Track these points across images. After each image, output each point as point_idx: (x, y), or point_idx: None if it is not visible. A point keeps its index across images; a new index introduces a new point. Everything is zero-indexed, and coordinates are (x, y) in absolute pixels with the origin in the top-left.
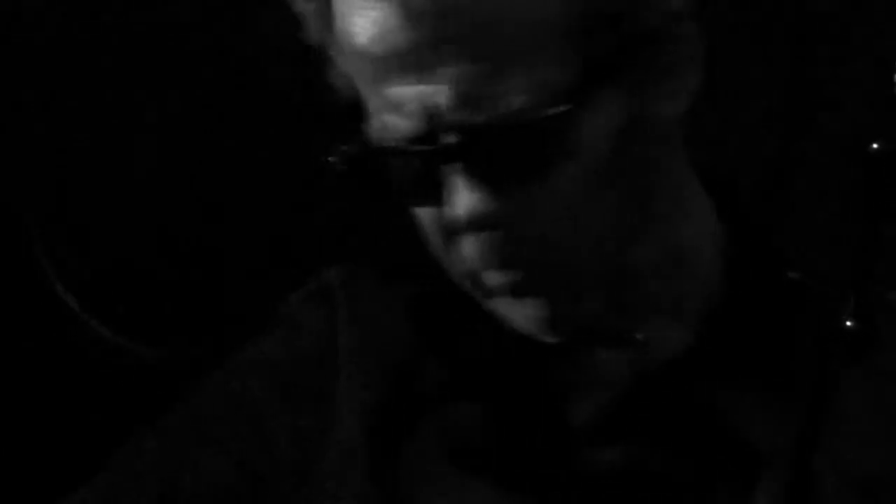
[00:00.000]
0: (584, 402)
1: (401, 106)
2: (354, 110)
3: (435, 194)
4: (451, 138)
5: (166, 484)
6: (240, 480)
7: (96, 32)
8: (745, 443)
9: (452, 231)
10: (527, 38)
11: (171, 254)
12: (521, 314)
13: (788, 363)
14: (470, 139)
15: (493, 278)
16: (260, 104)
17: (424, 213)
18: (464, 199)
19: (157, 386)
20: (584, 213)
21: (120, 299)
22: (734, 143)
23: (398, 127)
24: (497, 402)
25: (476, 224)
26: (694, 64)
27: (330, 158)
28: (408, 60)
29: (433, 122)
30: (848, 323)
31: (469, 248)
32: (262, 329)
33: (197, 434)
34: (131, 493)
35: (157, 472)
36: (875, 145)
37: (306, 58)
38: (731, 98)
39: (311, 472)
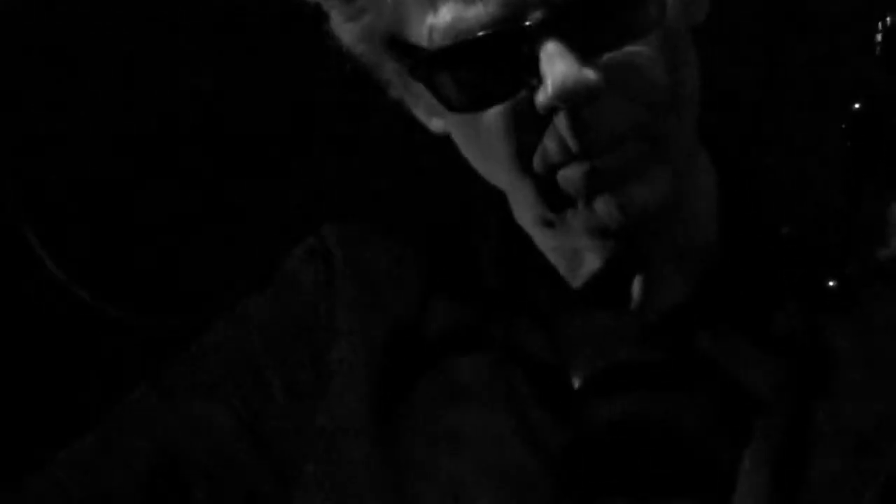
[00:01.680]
0: (586, 355)
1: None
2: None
3: (520, 81)
4: (538, 14)
5: (165, 438)
6: (239, 436)
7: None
8: (743, 390)
9: (541, 114)
10: None
11: (163, 211)
12: (585, 224)
13: (781, 315)
14: (561, 9)
15: (574, 173)
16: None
17: (489, 130)
18: (556, 69)
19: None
20: (669, 80)
21: (104, 265)
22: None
23: (467, 18)
24: (500, 356)
25: (569, 93)
26: None
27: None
28: None
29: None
30: (830, 283)
31: (552, 138)
32: (260, 286)
33: (195, 388)
34: (129, 446)
35: (156, 427)
36: (857, 105)
37: None
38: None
39: (309, 428)
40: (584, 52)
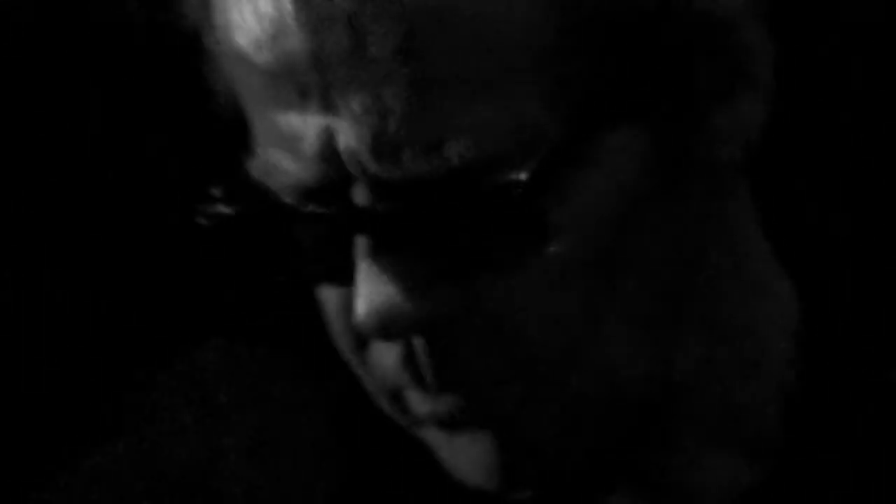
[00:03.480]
0: None
1: (296, 143)
2: (239, 133)
3: (339, 275)
4: (366, 198)
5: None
6: None
7: None
8: None
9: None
10: (494, 58)
11: None
12: (464, 455)
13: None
14: (397, 202)
15: (424, 403)
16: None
17: (327, 296)
18: (381, 289)
19: None
20: (581, 308)
21: None
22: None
23: (289, 172)
24: None
25: (400, 326)
26: (757, 84)
27: (198, 206)
28: (312, 81)
29: (341, 172)
30: None
31: (388, 356)
32: (113, 429)
33: None
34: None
35: None
36: None
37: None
38: None
39: None
40: (431, 266)
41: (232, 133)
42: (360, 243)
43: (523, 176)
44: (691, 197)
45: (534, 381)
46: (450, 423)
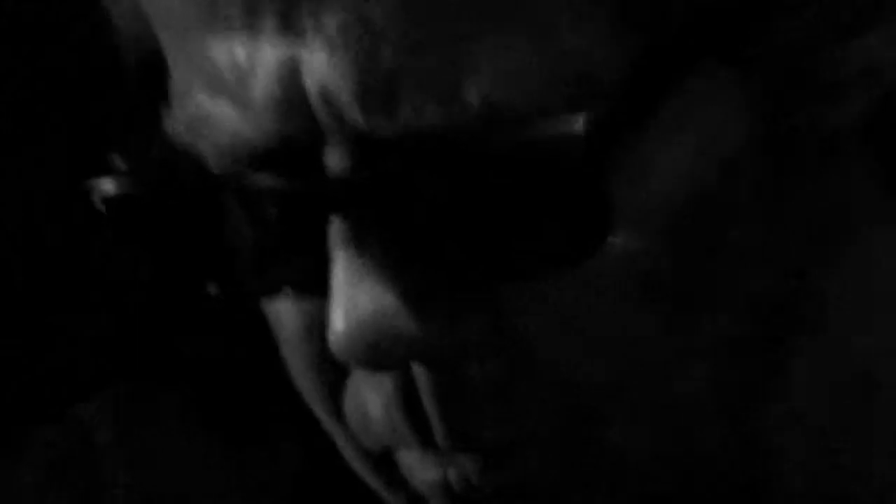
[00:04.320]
0: None
1: (240, 84)
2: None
3: (301, 281)
4: (344, 164)
5: None
6: None
7: None
8: None
9: (338, 359)
10: None
11: None
12: None
13: None
14: (390, 169)
15: (426, 468)
16: None
17: (280, 317)
18: (367, 295)
19: None
20: (644, 337)
21: None
22: None
23: (228, 128)
24: None
25: (394, 346)
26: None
27: (92, 184)
28: None
29: (308, 125)
30: None
31: (373, 401)
32: None
33: None
34: None
35: None
36: None
37: None
38: None
39: None
40: (424, 271)
41: (137, 80)
42: (336, 231)
43: (577, 128)
44: (804, 176)
45: (577, 434)
46: (465, 497)
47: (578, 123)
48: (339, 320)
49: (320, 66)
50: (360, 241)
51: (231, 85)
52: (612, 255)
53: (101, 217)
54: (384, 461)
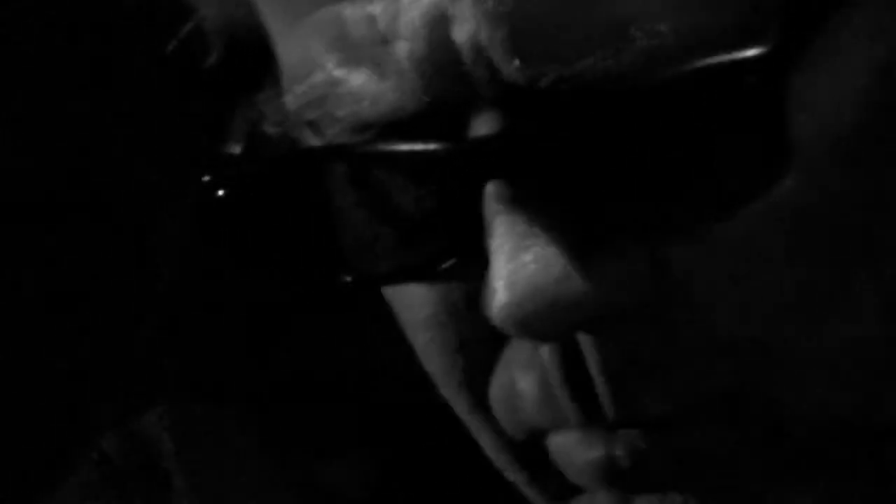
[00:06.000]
0: None
1: (378, 46)
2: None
3: (447, 257)
4: (498, 123)
5: None
6: None
7: None
8: None
9: (488, 344)
10: None
11: None
12: None
13: None
14: (550, 125)
15: (587, 448)
16: None
17: (415, 299)
18: (533, 262)
19: None
20: (829, 291)
21: None
22: None
23: (367, 94)
24: None
25: (567, 314)
26: None
27: (205, 178)
28: None
29: (458, 85)
30: None
31: (526, 380)
32: None
33: None
34: None
35: None
36: None
37: None
38: None
39: None
40: (589, 230)
41: (225, 66)
42: (492, 197)
43: (753, 56)
44: None
45: (748, 399)
46: (632, 475)
47: (754, 51)
48: (505, 289)
49: (470, 16)
50: (521, 204)
51: (368, 49)
52: (784, 194)
53: (207, 217)
54: (531, 450)
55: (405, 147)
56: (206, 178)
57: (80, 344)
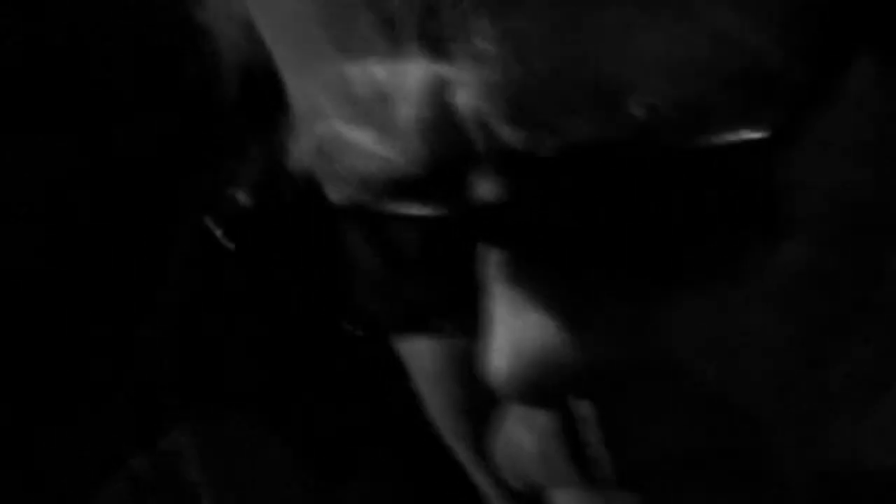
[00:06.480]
0: None
1: (380, 108)
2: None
3: (447, 313)
4: (496, 187)
5: None
6: None
7: None
8: None
9: (488, 398)
10: None
11: None
12: None
13: None
14: (547, 189)
15: None
16: None
17: (417, 351)
18: (531, 326)
19: None
20: (820, 351)
21: None
22: None
23: (368, 154)
24: None
25: (564, 380)
26: None
27: (210, 214)
28: (405, 6)
29: (458, 148)
30: None
31: (525, 437)
32: None
33: None
34: None
35: None
36: None
37: None
38: None
39: None
40: (586, 294)
41: (236, 97)
42: (491, 261)
43: (757, 134)
44: None
45: (742, 458)
46: None
47: (758, 129)
48: (499, 358)
49: (471, 84)
50: (518, 270)
51: (371, 109)
52: (781, 264)
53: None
54: (530, 501)
55: (408, 209)
56: (216, 215)
57: (108, 359)
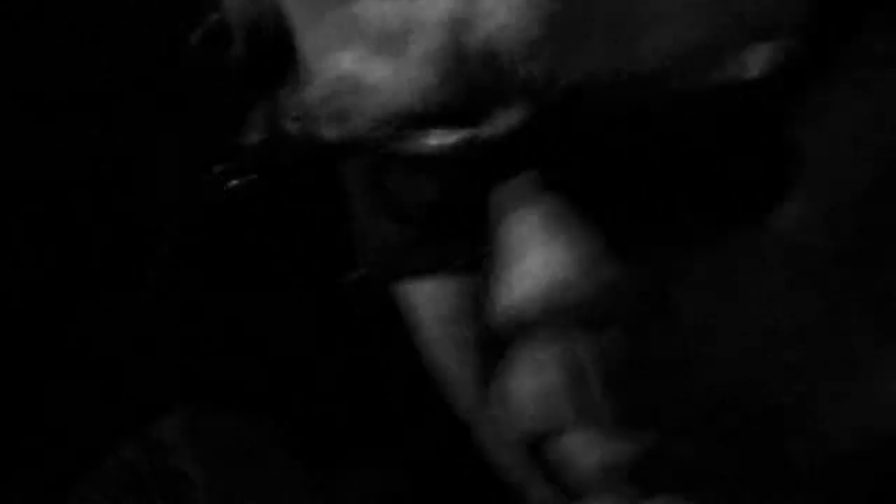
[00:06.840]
0: None
1: (395, 42)
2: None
3: (460, 253)
4: (517, 120)
5: None
6: None
7: None
8: None
9: (501, 337)
10: None
11: None
12: None
13: None
14: (563, 124)
15: (591, 449)
16: None
17: (421, 299)
18: (549, 255)
19: None
20: (830, 312)
21: None
22: None
23: (388, 88)
24: None
25: (580, 307)
26: None
27: (217, 169)
28: None
29: (476, 82)
30: None
31: (533, 381)
32: None
33: None
34: None
35: None
36: None
37: None
38: None
39: None
40: (608, 235)
41: (246, 56)
42: (503, 194)
43: (756, 68)
44: None
45: (755, 430)
46: (636, 479)
47: (757, 64)
48: (519, 285)
49: (488, 17)
50: (533, 203)
51: (389, 43)
52: (791, 219)
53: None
54: (532, 452)
55: (423, 139)
56: (221, 169)
57: (98, 348)
